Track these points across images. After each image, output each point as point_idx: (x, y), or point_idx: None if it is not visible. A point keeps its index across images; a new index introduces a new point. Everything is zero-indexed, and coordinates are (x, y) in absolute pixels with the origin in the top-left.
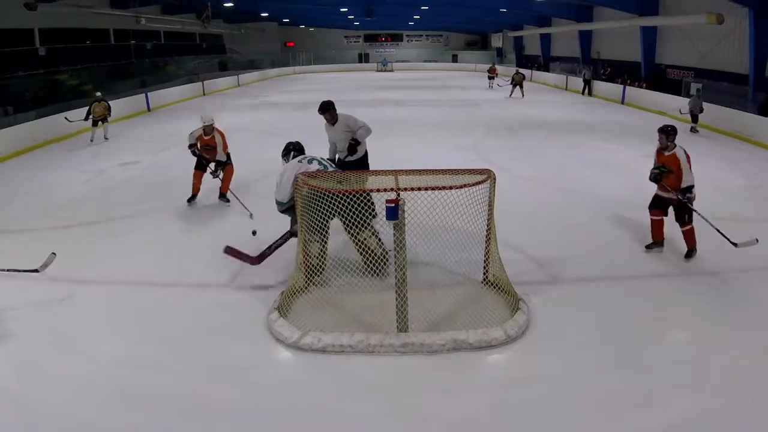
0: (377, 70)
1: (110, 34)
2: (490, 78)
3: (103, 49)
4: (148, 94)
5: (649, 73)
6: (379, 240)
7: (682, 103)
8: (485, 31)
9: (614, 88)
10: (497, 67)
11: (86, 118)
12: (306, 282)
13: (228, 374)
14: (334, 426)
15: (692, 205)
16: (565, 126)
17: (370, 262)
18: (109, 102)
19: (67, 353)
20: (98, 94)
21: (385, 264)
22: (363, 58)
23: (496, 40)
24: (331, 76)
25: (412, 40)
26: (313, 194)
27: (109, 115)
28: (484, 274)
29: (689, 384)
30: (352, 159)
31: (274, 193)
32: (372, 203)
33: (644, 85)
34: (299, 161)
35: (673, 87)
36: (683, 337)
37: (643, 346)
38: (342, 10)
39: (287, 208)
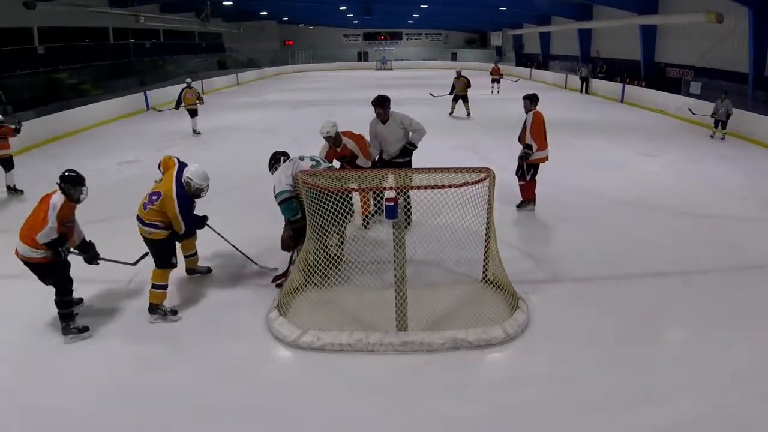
0: (376, 69)
1: (109, 33)
2: (494, 81)
3: (102, 48)
4: (147, 92)
5: (649, 71)
6: (341, 243)
7: (681, 101)
8: (485, 30)
9: (614, 87)
10: (500, 66)
11: (177, 107)
12: (305, 280)
13: (227, 373)
14: (333, 425)
15: (524, 163)
16: (564, 125)
17: (318, 264)
18: (196, 89)
19: (66, 352)
20: (188, 80)
21: (334, 268)
22: (362, 56)
23: (496, 39)
24: (330, 75)
25: (411, 39)
26: (312, 193)
27: (201, 103)
28: (484, 272)
29: (689, 384)
30: (400, 160)
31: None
32: (350, 206)
33: (644, 83)
34: (290, 161)
35: (673, 85)
36: (683, 337)
37: (643, 345)
38: (341, 8)
39: (285, 199)
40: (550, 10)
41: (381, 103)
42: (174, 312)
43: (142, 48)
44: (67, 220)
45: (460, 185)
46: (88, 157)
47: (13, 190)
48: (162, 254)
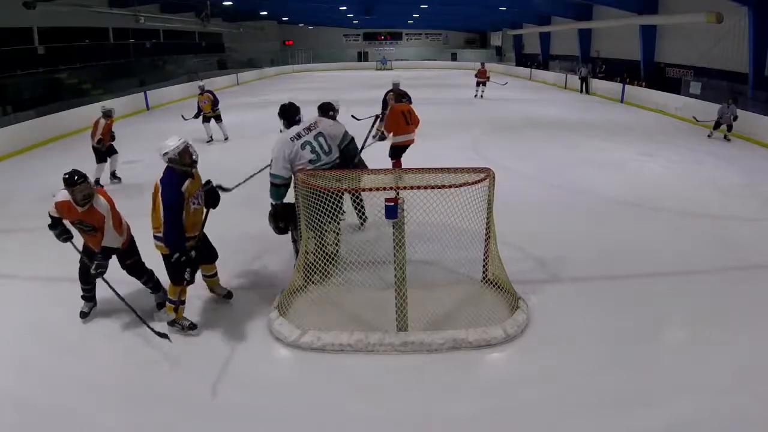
0: (376, 69)
1: (109, 33)
2: (479, 84)
3: (102, 48)
4: (147, 92)
5: (649, 71)
6: (337, 241)
7: (681, 101)
8: (485, 30)
9: (613, 87)
10: (487, 68)
11: (197, 116)
12: (305, 281)
13: (227, 373)
14: (333, 425)
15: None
16: (564, 124)
17: (315, 261)
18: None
19: (67, 353)
20: (201, 84)
21: (331, 264)
22: (362, 56)
23: (496, 39)
24: (330, 75)
25: (411, 39)
26: (311, 192)
27: (216, 109)
28: (484, 272)
29: (689, 384)
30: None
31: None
32: (340, 204)
33: (644, 83)
34: (291, 139)
35: (673, 86)
36: (683, 337)
37: (643, 345)
38: (341, 8)
39: (275, 184)
40: (550, 10)
41: (319, 108)
42: (193, 326)
43: (142, 48)
44: (67, 218)
45: (460, 185)
46: (89, 158)
47: (115, 177)
48: (173, 269)
